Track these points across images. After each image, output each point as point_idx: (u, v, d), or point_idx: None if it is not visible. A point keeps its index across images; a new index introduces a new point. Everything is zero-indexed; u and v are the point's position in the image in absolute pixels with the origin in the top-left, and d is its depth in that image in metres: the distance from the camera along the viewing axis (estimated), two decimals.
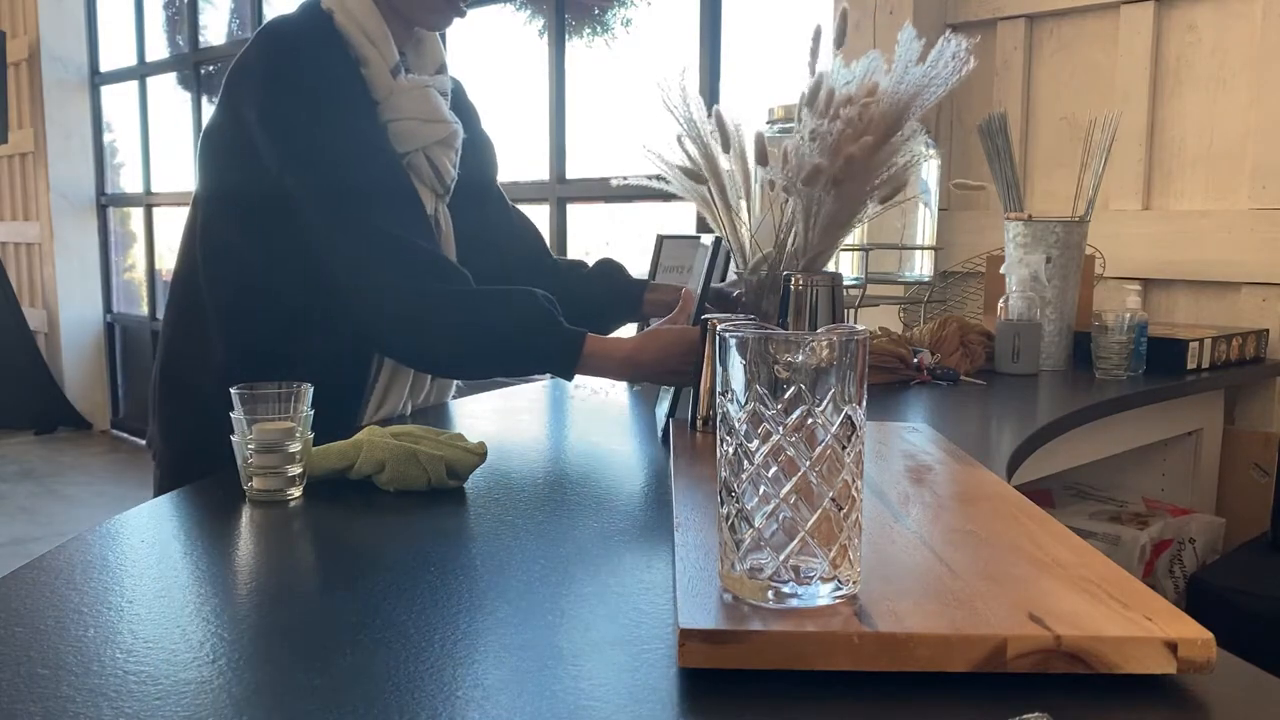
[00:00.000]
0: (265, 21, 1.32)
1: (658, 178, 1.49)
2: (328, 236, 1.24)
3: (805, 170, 1.28)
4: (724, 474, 0.61)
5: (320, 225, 1.24)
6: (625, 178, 1.58)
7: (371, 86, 1.30)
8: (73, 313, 5.98)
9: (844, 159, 1.26)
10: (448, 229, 1.42)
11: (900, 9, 2.35)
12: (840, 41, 1.36)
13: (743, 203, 1.47)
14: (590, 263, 1.61)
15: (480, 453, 1.00)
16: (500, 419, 1.42)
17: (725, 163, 1.44)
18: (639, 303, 1.54)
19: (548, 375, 1.33)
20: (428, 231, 1.30)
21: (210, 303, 1.33)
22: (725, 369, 0.60)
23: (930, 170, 2.06)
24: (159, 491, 1.35)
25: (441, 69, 1.45)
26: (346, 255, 1.23)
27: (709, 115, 1.41)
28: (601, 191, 3.58)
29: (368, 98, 1.29)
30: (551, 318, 1.24)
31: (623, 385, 1.63)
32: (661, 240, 1.73)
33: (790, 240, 1.37)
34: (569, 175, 3.66)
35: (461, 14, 1.37)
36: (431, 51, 1.43)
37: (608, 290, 1.56)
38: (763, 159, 1.40)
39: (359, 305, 1.25)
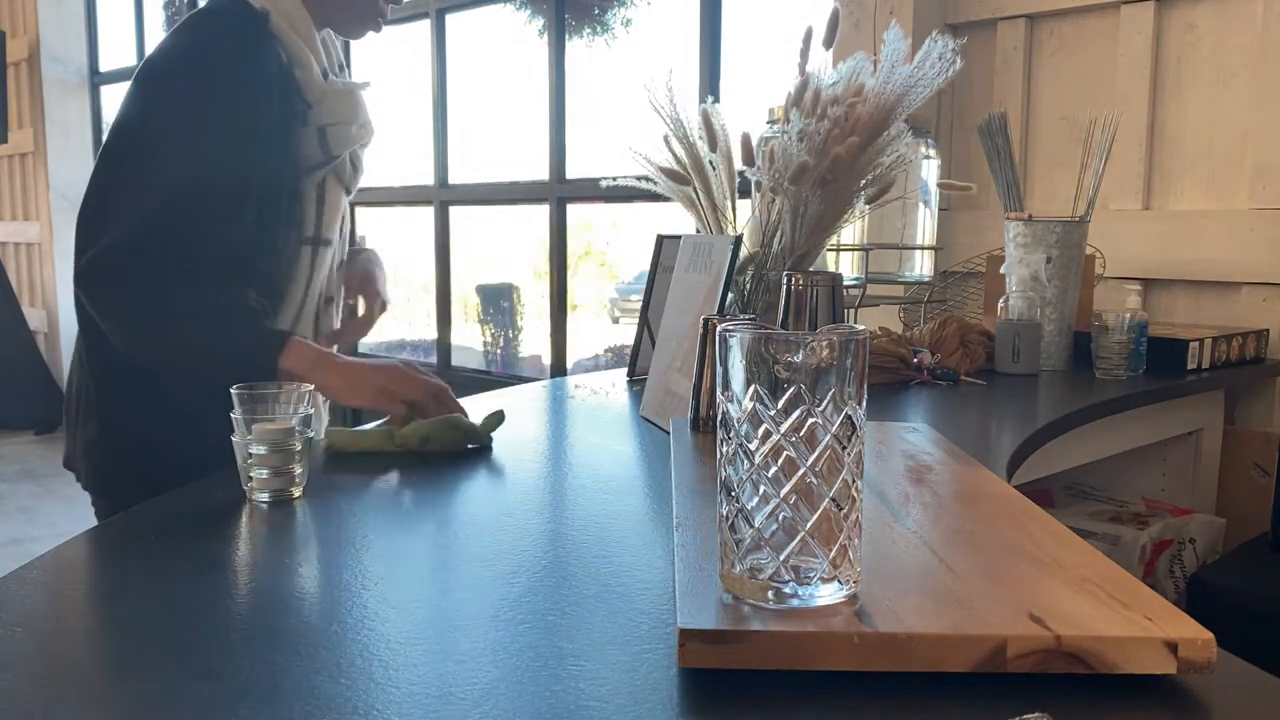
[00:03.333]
0: (197, 9, 1.30)
1: (645, 179, 1.50)
2: (98, 193, 1.22)
3: (792, 169, 1.28)
4: (724, 474, 0.61)
5: (99, 185, 1.22)
6: (615, 179, 1.60)
7: (305, 87, 1.29)
8: (72, 313, 5.96)
9: (831, 159, 1.26)
10: (348, 227, 1.49)
11: (900, 9, 2.35)
12: (829, 42, 1.36)
13: (729, 203, 1.48)
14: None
15: (499, 418, 1.19)
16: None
17: (715, 162, 1.44)
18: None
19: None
20: (196, 257, 1.21)
21: None
22: (725, 369, 0.60)
23: (930, 170, 2.06)
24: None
25: (343, 68, 1.45)
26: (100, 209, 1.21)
27: (698, 114, 1.41)
28: (601, 191, 3.58)
29: (281, 102, 1.27)
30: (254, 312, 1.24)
31: (623, 385, 1.63)
32: (661, 240, 1.73)
33: (777, 240, 1.38)
34: (569, 175, 3.66)
35: (378, 29, 1.39)
36: (335, 52, 1.43)
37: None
38: (749, 159, 1.40)
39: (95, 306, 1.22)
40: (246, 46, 1.24)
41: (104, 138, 1.34)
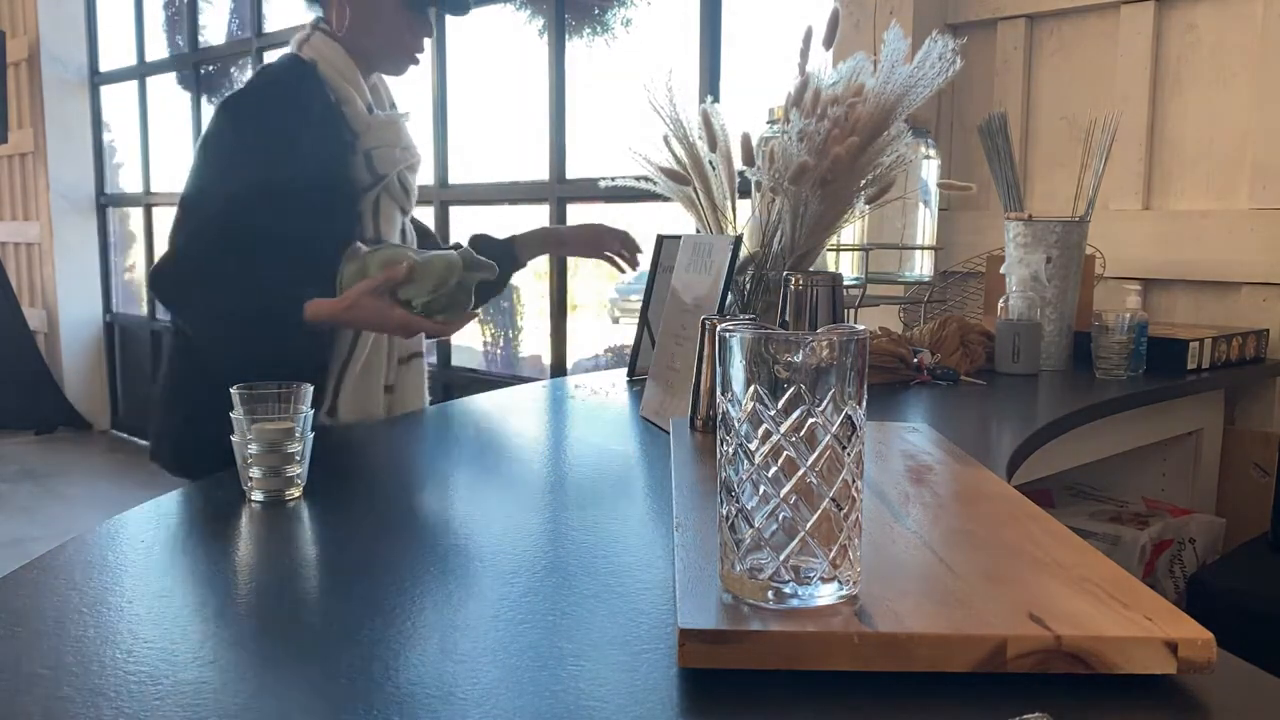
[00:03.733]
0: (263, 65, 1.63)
1: (644, 179, 1.50)
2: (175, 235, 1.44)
3: (792, 169, 1.28)
4: (724, 474, 0.61)
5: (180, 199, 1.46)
6: (613, 179, 1.64)
7: (352, 120, 1.53)
8: (72, 313, 5.98)
9: (831, 159, 1.26)
10: (412, 238, 1.70)
11: (900, 9, 2.35)
12: (829, 42, 1.36)
13: (729, 203, 1.48)
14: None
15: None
16: (500, 419, 1.42)
17: (715, 162, 1.44)
18: (512, 257, 1.83)
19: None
20: (240, 256, 1.42)
21: None
22: (725, 369, 0.60)
23: (930, 170, 2.06)
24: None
25: (393, 105, 1.68)
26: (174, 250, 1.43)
27: (697, 114, 1.41)
28: (601, 191, 3.58)
29: (324, 131, 1.50)
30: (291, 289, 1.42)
31: (623, 385, 1.63)
32: (661, 240, 1.73)
33: (776, 240, 1.38)
34: (569, 175, 3.66)
35: (416, 63, 1.63)
36: (385, 92, 1.67)
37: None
38: (749, 159, 1.40)
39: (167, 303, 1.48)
40: (289, 88, 1.50)
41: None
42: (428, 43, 1.63)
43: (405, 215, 1.66)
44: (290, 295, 1.38)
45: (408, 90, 4.06)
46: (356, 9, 1.55)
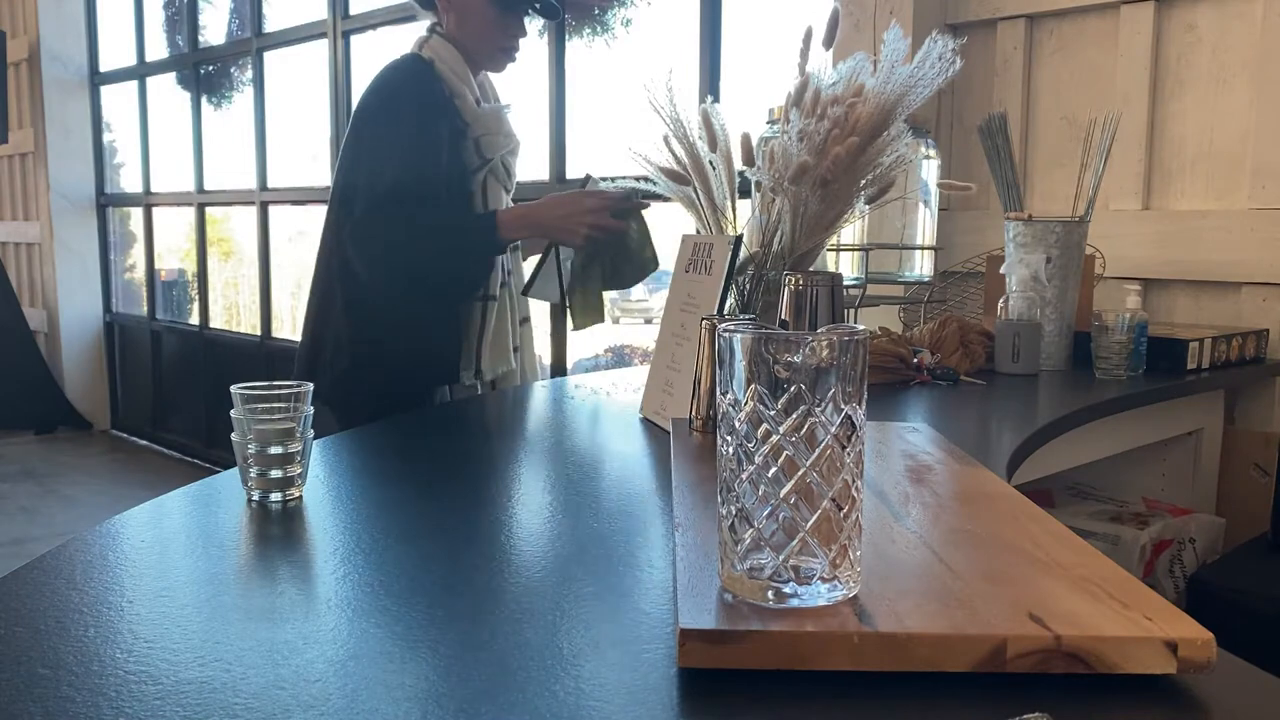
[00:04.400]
0: (388, 63, 1.84)
1: (645, 179, 1.50)
2: (358, 224, 1.72)
3: (792, 169, 1.28)
4: (724, 474, 0.61)
5: (346, 181, 1.76)
6: (615, 179, 1.71)
7: (463, 111, 1.79)
8: (73, 313, 5.98)
9: (831, 159, 1.26)
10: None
11: (900, 9, 2.35)
12: (829, 42, 1.36)
13: (729, 203, 1.47)
14: None
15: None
16: (500, 419, 1.42)
17: (715, 162, 1.44)
18: None
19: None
20: (431, 201, 1.74)
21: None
22: (725, 369, 0.60)
23: (930, 170, 2.06)
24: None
25: (497, 99, 1.95)
26: (359, 231, 1.72)
27: (697, 114, 1.41)
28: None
29: (447, 120, 1.77)
30: (474, 214, 1.79)
31: (621, 386, 1.63)
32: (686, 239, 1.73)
33: (777, 240, 1.38)
34: (569, 175, 3.66)
35: (514, 60, 1.88)
36: (491, 88, 1.94)
37: None
38: (749, 159, 1.40)
39: (363, 269, 1.74)
40: (421, 82, 1.77)
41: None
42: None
43: (508, 194, 1.90)
44: (478, 217, 1.74)
45: None
46: (457, 13, 1.82)
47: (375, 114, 1.76)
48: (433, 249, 1.71)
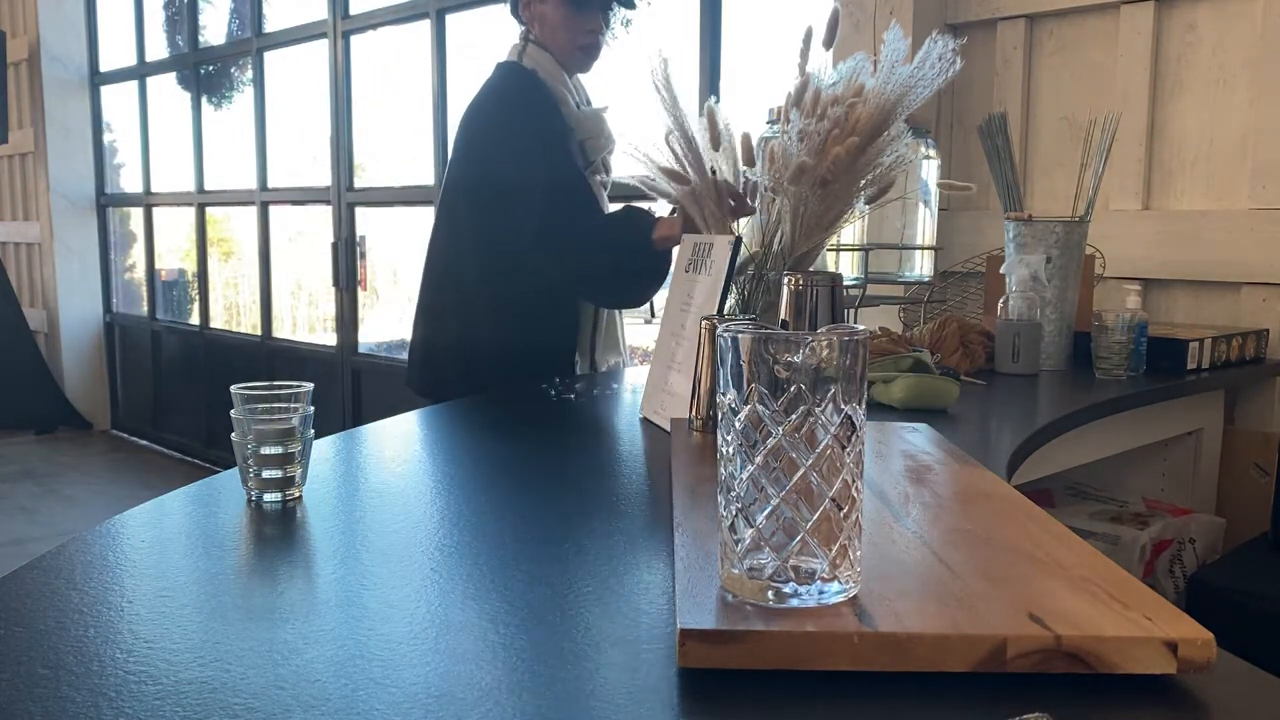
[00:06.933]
0: (493, 72, 1.92)
1: (645, 179, 1.50)
2: (512, 218, 1.79)
3: (792, 169, 1.28)
4: (724, 474, 0.61)
5: (492, 189, 1.83)
6: (614, 179, 1.73)
7: (567, 115, 1.86)
8: (73, 313, 5.98)
9: (831, 159, 1.26)
10: (607, 208, 1.99)
11: (900, 9, 2.35)
12: (829, 42, 1.36)
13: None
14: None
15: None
16: (500, 419, 1.42)
17: (720, 161, 1.44)
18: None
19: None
20: (591, 202, 1.86)
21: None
22: (725, 369, 0.60)
23: (930, 170, 2.06)
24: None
25: (589, 101, 2.02)
26: (534, 230, 1.77)
27: (700, 113, 1.41)
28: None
29: (560, 122, 1.85)
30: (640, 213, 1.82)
31: (621, 385, 1.63)
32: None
33: (777, 240, 1.38)
34: None
35: (597, 57, 1.96)
36: (583, 90, 2.00)
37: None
38: (749, 159, 1.40)
39: (552, 267, 1.82)
40: (538, 88, 1.85)
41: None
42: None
43: (606, 191, 1.98)
44: (639, 223, 1.76)
45: (409, 90, 4.06)
46: (540, 20, 1.89)
47: (510, 114, 1.81)
48: (632, 269, 1.79)
